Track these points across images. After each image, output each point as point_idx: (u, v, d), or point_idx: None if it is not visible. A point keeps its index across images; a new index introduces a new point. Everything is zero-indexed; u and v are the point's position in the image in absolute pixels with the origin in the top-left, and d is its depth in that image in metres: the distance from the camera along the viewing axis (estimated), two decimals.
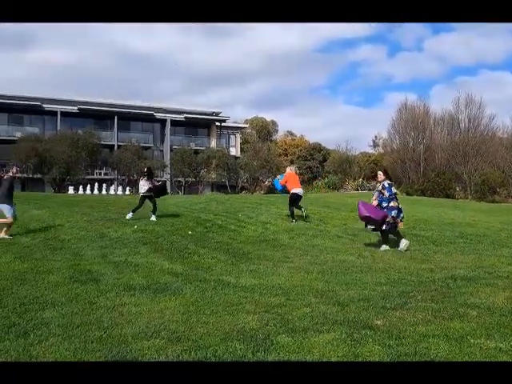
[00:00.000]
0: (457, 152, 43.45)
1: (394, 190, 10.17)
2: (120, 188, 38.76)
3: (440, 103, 75.19)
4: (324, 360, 3.88)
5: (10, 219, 10.53)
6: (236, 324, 4.83)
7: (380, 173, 10.39)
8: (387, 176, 10.33)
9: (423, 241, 11.78)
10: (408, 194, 36.80)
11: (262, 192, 45.61)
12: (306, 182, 54.04)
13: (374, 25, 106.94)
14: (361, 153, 59.00)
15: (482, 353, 4.05)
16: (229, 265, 8.28)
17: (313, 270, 7.90)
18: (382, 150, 57.46)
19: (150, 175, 13.21)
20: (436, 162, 44.55)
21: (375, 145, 63.49)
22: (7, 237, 10.32)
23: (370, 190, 40.43)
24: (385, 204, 10.03)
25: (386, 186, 10.08)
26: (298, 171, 14.23)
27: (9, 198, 10.60)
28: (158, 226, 11.64)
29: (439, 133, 48.28)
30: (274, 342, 4.30)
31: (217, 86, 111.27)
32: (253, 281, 6.99)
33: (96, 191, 36.45)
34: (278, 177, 14.33)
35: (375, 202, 10.13)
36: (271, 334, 4.51)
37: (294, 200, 13.18)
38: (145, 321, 4.94)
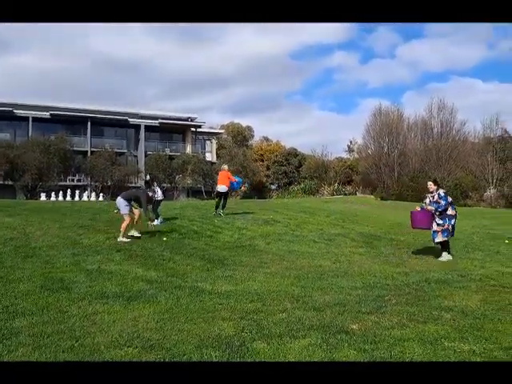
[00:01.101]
0: (430, 157, 44.10)
1: (449, 198, 9.92)
2: (93, 194, 38.24)
3: (413, 109, 76.38)
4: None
5: (127, 217, 10.83)
6: (211, 331, 4.78)
7: (430, 183, 10.09)
8: (438, 185, 10.12)
9: (398, 245, 11.90)
10: (383, 198, 37.21)
11: (238, 197, 45.55)
12: (282, 188, 54.29)
13: (346, 31, 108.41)
14: (336, 158, 59.40)
15: (456, 356, 4.08)
16: (204, 271, 8.21)
17: (289, 276, 7.89)
18: (357, 155, 57.94)
19: (146, 183, 13.40)
20: (410, 167, 45.12)
21: (350, 150, 63.94)
22: (137, 234, 10.88)
23: (345, 194, 40.80)
24: (440, 211, 9.76)
25: (442, 195, 9.82)
26: (226, 168, 15.38)
27: (131, 201, 11.09)
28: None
29: (413, 138, 48.97)
30: (250, 348, 4.27)
31: (192, 91, 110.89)
32: (229, 287, 6.94)
33: (69, 198, 35.87)
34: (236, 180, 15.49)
35: (430, 208, 9.85)
36: (247, 340, 4.47)
37: (216, 195, 15.11)
38: (118, 329, 4.85)
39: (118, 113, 47.10)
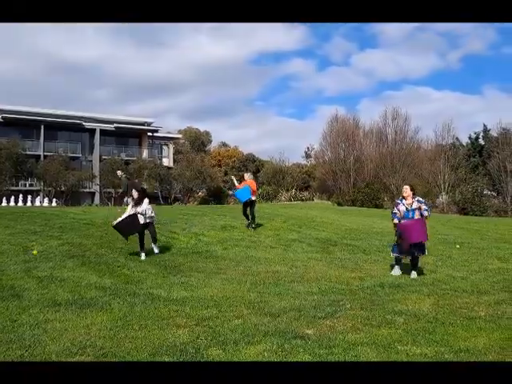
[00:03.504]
0: (385, 163, 44.95)
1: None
2: (46, 200, 37.20)
3: (368, 116, 78.04)
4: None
5: None
6: (166, 338, 4.71)
7: (407, 187, 9.04)
8: (414, 192, 9.13)
9: (353, 250, 12.06)
10: (339, 204, 37.71)
11: (196, 203, 45.31)
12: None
13: (303, 39, 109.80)
14: (294, 164, 59.89)
15: (408, 359, 4.16)
16: (160, 278, 8.10)
17: (245, 281, 7.88)
18: (314, 162, 58.55)
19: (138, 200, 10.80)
20: (365, 173, 45.87)
21: (308, 156, 64.66)
22: None
23: (302, 200, 41.10)
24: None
25: (423, 201, 9.02)
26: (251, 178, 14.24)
27: None
28: (86, 239, 11.22)
29: (368, 145, 49.83)
30: (205, 355, 4.23)
31: (149, 95, 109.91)
32: (184, 293, 6.88)
33: (21, 203, 34.80)
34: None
35: (426, 215, 8.78)
36: (202, 347, 4.43)
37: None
38: (70, 337, 4.72)
39: (73, 116, 46.02)
